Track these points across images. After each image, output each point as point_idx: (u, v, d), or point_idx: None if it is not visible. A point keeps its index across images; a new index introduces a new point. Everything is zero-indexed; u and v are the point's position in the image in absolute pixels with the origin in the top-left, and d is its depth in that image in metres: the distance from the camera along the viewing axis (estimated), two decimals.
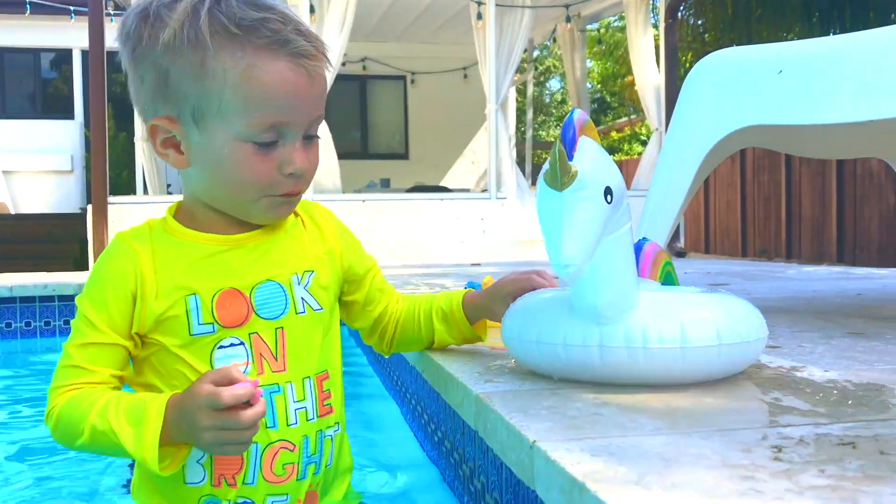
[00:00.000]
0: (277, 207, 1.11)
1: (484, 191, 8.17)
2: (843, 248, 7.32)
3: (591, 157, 1.05)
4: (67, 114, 11.87)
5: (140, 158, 8.12)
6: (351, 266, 1.27)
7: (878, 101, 1.62)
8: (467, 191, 10.21)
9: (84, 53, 11.26)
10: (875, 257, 6.86)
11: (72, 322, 1.09)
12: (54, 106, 12.00)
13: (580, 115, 1.08)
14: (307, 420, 1.12)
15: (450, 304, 1.41)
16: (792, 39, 12.79)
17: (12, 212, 10.88)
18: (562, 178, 1.01)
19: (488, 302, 1.39)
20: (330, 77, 7.06)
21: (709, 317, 1.12)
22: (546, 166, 1.05)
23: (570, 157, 1.03)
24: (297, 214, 1.21)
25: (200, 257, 1.10)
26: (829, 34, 11.66)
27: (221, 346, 1.08)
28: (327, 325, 1.19)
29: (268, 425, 1.08)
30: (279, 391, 1.10)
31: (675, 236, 8.15)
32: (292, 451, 1.11)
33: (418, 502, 1.57)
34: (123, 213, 7.14)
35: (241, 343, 1.09)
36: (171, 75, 1.02)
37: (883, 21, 10.08)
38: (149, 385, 1.10)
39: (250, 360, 1.09)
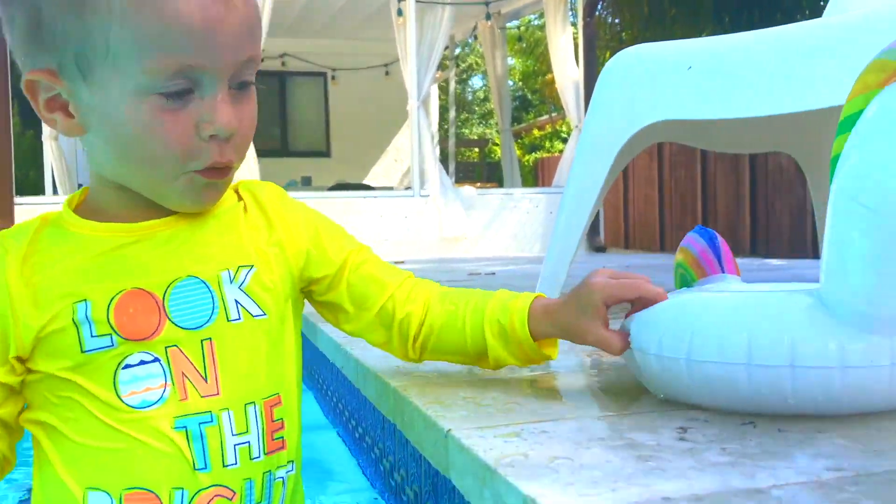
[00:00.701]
0: (201, 192, 0.86)
1: (407, 188, 8.17)
2: (757, 240, 7.60)
3: None
4: None
5: (49, 157, 7.83)
6: (315, 259, 1.01)
7: (780, 96, 1.69)
8: (391, 189, 10.19)
9: None
10: (786, 249, 7.14)
11: None
12: None
13: None
14: (251, 458, 0.86)
15: (509, 316, 1.05)
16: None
17: None
18: None
19: (571, 316, 1.01)
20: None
21: None
22: None
23: None
24: (239, 197, 0.96)
25: (96, 254, 0.86)
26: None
27: (128, 366, 0.83)
28: (276, 335, 0.92)
29: (197, 466, 0.83)
30: (212, 421, 0.84)
31: (594, 231, 8.31)
32: (230, 499, 0.85)
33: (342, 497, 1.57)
34: (29, 213, 6.86)
35: (156, 360, 0.84)
36: (43, 13, 0.79)
37: (788, 21, 10.46)
38: (39, 422, 0.86)
39: (168, 382, 0.84)
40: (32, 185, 9.03)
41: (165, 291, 0.85)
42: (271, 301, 0.91)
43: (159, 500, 0.81)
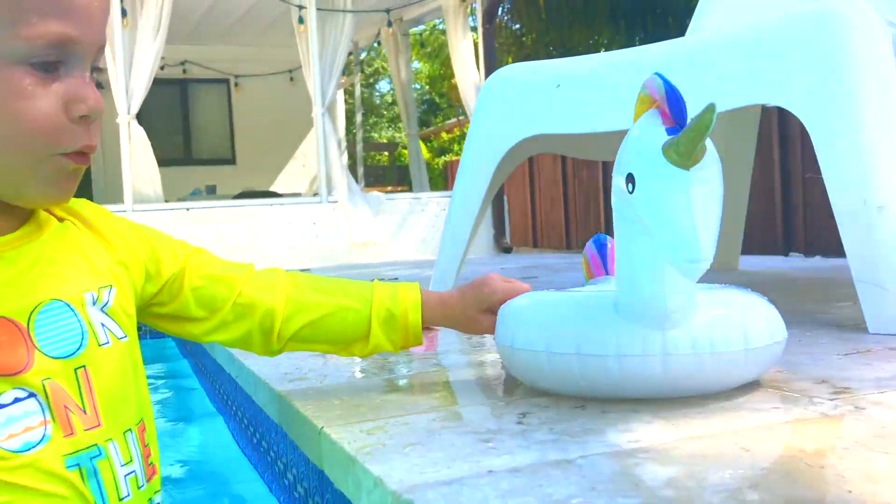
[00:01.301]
0: (67, 179, 0.78)
1: (315, 195, 8.21)
2: None
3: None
4: None
5: None
6: (154, 273, 0.97)
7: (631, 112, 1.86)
8: (298, 195, 10.18)
9: None
10: None
11: None
12: None
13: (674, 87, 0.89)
14: (138, 488, 0.83)
15: (402, 306, 1.09)
16: (602, 43, 13.65)
17: None
18: (695, 155, 0.82)
19: (470, 309, 1.12)
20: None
21: (759, 316, 1.03)
22: (661, 141, 0.85)
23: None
24: (59, 218, 0.86)
25: None
26: (634, 38, 12.56)
27: (2, 406, 0.73)
28: (136, 357, 0.89)
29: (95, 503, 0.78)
30: (101, 455, 0.79)
31: (500, 233, 8.53)
32: None
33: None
34: None
35: (31, 395, 0.75)
36: None
37: (679, 26, 10.94)
38: None
39: (49, 419, 0.76)
40: None
41: (29, 318, 0.77)
42: (128, 322, 0.88)
43: None
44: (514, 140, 2.10)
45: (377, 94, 22.39)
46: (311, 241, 7.69)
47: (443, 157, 17.90)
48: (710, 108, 0.79)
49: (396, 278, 4.47)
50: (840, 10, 1.57)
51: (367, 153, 14.62)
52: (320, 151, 7.72)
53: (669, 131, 0.85)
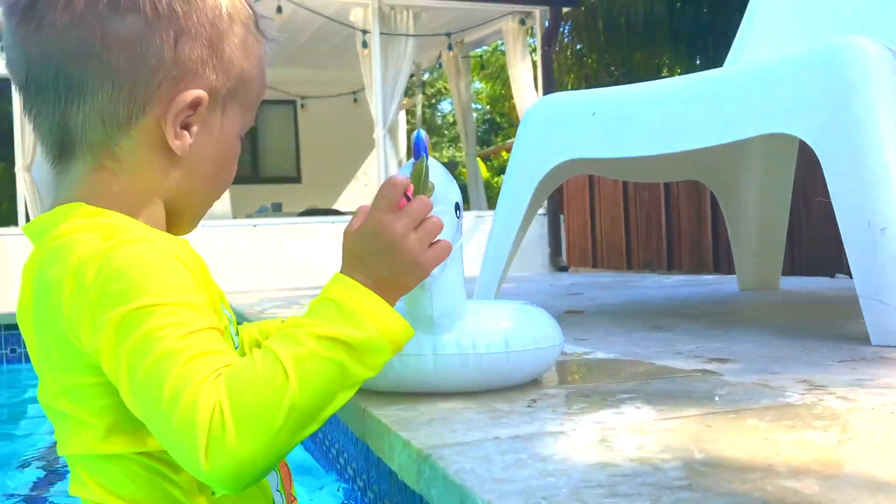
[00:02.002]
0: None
1: None
2: (719, 257, 7.89)
3: (440, 174, 1.07)
4: None
5: (21, 188, 8.03)
6: None
7: (661, 138, 2.02)
8: None
9: None
10: None
11: (141, 333, 0.69)
12: None
13: (426, 136, 1.04)
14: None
15: (264, 331, 1.09)
16: (663, 63, 13.69)
17: None
18: (423, 193, 0.97)
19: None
20: None
21: (526, 325, 1.23)
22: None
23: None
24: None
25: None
26: (695, 59, 12.57)
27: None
28: None
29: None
30: None
31: (556, 252, 8.67)
32: None
33: None
34: (5, 244, 7.09)
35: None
36: (224, 43, 0.85)
37: None
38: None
39: None
40: (5, 215, 9.22)
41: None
42: None
43: None
44: (552, 163, 2.28)
45: (439, 113, 22.75)
46: None
47: (502, 176, 18.08)
48: (422, 159, 0.97)
49: None
50: (847, 47, 1.71)
51: None
52: (381, 172, 7.99)
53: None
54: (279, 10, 7.63)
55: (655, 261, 9.13)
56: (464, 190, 12.89)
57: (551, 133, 2.32)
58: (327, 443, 1.64)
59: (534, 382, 1.31)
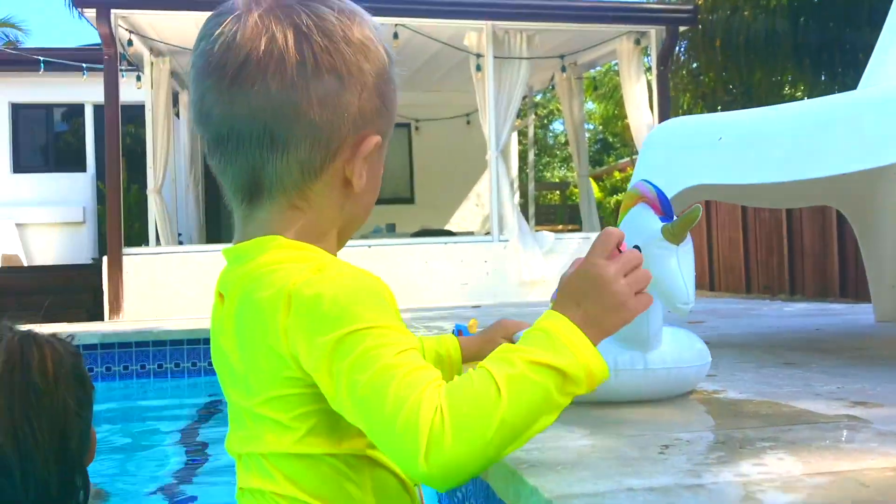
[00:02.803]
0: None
1: (487, 234, 8.49)
2: (847, 282, 7.47)
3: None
4: (79, 167, 12.28)
5: (153, 210, 8.44)
6: None
7: (795, 164, 1.92)
8: (472, 234, 10.53)
9: (96, 108, 11.71)
10: None
11: (359, 352, 0.78)
12: (66, 159, 12.42)
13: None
14: None
15: (445, 347, 1.23)
16: (785, 80, 13.17)
17: (25, 264, 11.25)
18: (684, 236, 1.24)
19: (482, 344, 1.24)
20: None
21: (695, 341, 1.49)
22: (657, 225, 1.24)
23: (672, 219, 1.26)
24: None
25: None
26: (819, 76, 12.01)
27: None
28: None
29: None
30: None
31: None
32: None
33: None
34: (138, 264, 7.47)
35: None
36: (386, 91, 0.95)
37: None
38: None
39: None
40: (137, 236, 9.74)
41: None
42: None
43: None
44: (676, 189, 2.20)
45: (550, 133, 22.65)
46: (482, 278, 7.95)
47: (615, 196, 17.80)
48: (696, 209, 1.16)
49: None
50: None
51: (539, 192, 14.87)
52: (493, 192, 8.01)
53: (662, 220, 1.26)
54: (396, 35, 7.78)
55: (776, 284, 8.74)
56: (576, 210, 12.75)
57: (674, 158, 2.24)
58: None
59: (664, 426, 1.26)
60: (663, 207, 1.27)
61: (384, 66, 0.94)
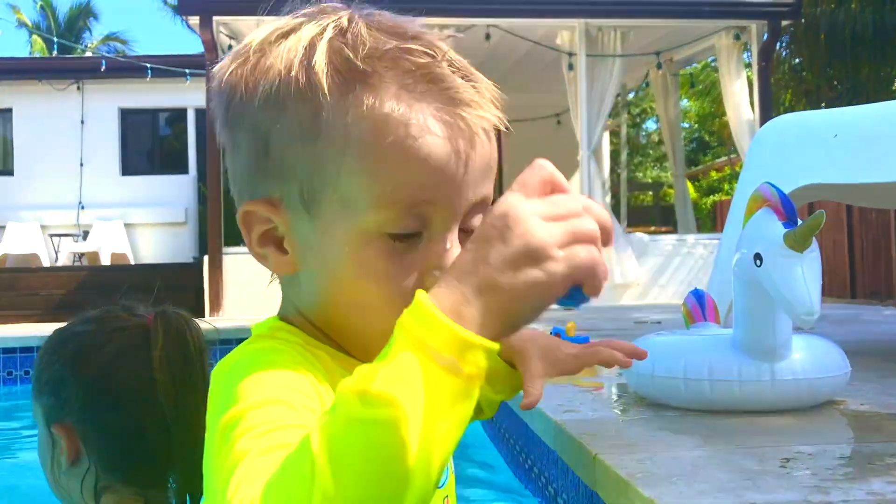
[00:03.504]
0: None
1: None
2: None
3: None
4: (182, 169, 12.77)
5: None
6: None
7: None
8: None
9: (198, 112, 12.17)
10: None
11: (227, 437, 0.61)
12: (170, 162, 12.93)
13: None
14: None
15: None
16: (894, 75, 12.54)
17: (132, 262, 11.75)
18: (809, 243, 1.19)
19: (532, 351, 0.94)
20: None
21: (833, 351, 1.43)
22: (780, 231, 1.20)
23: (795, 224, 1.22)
24: None
25: None
26: None
27: None
28: None
29: None
30: None
31: None
32: None
33: None
34: (237, 263, 7.70)
35: None
36: (271, 140, 0.72)
37: None
38: None
39: None
40: (237, 237, 10.04)
41: None
42: None
43: None
44: (788, 188, 2.10)
45: (643, 133, 22.22)
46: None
47: (711, 196, 17.31)
48: (821, 214, 1.15)
49: (660, 322, 4.47)
50: None
51: (631, 193, 14.59)
52: (584, 193, 7.90)
53: (785, 225, 1.21)
54: (488, 37, 7.77)
55: (884, 290, 8.32)
56: (670, 211, 12.47)
57: (786, 156, 2.15)
58: (550, 487, 1.59)
59: (782, 437, 1.20)
60: (787, 212, 1.23)
61: (276, 89, 0.71)
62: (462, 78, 0.71)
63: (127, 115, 12.78)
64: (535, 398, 0.88)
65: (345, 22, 0.72)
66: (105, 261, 11.26)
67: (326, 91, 0.68)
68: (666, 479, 0.96)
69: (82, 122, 12.32)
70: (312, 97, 0.69)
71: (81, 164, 12.33)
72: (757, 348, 1.33)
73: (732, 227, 2.32)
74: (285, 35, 0.72)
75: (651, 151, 22.21)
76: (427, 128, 0.68)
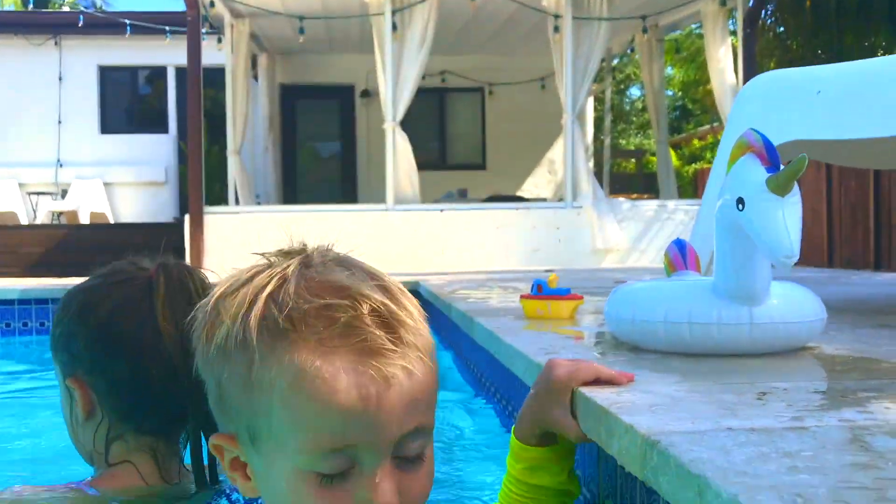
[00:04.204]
0: None
1: (560, 200, 8.39)
2: None
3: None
4: (161, 128, 12.63)
5: (232, 170, 8.61)
6: None
7: None
8: (544, 200, 10.44)
9: (178, 70, 11.99)
10: None
11: None
12: (150, 120, 12.78)
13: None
14: None
15: (510, 462, 1.06)
16: (878, 46, 12.58)
17: (111, 221, 11.65)
18: (790, 187, 1.20)
19: (543, 411, 1.04)
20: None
21: (810, 298, 1.44)
22: (763, 176, 1.21)
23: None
24: None
25: None
26: None
27: None
28: None
29: None
30: None
31: None
32: None
33: None
34: (218, 223, 7.65)
35: None
36: (223, 385, 0.83)
37: None
38: None
39: None
40: (217, 196, 9.98)
41: None
42: None
43: None
44: None
45: (627, 100, 22.19)
46: (553, 245, 7.87)
47: (693, 164, 17.38)
48: (803, 158, 1.15)
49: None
50: None
51: (614, 160, 14.59)
52: (567, 158, 7.90)
53: (768, 170, 1.23)
54: None
55: (861, 259, 8.42)
56: (653, 179, 12.49)
57: (769, 113, 2.16)
58: None
59: (758, 376, 1.23)
60: (770, 157, 1.24)
61: (224, 342, 0.81)
62: (383, 327, 0.78)
63: (106, 73, 12.59)
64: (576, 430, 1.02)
65: (288, 273, 0.81)
66: (84, 220, 11.15)
67: (255, 346, 0.78)
68: (646, 408, 0.99)
69: (60, 78, 12.12)
70: (247, 351, 0.79)
71: (59, 122, 12.15)
72: (736, 293, 1.34)
73: (715, 178, 2.34)
74: (238, 289, 0.83)
75: (635, 119, 22.21)
76: (337, 379, 0.76)
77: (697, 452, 0.78)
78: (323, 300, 0.78)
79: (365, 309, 0.79)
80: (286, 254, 0.86)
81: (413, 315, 0.82)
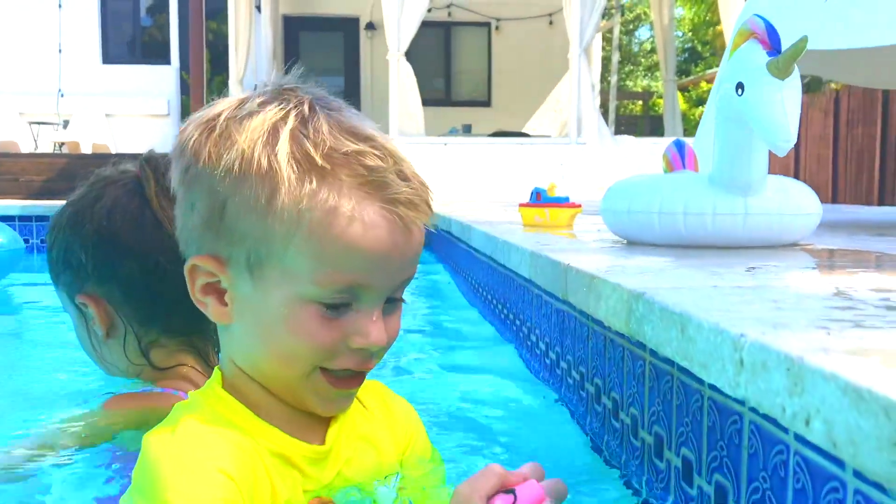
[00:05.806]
0: (337, 399, 0.87)
1: (565, 136, 8.33)
2: None
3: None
4: (164, 59, 12.48)
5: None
6: (399, 464, 0.97)
7: None
8: (549, 137, 10.37)
9: (180, 0, 11.82)
10: None
11: None
12: (152, 51, 12.63)
13: None
14: None
15: None
16: None
17: (113, 152, 11.61)
18: (790, 70, 1.20)
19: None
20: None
21: (806, 192, 1.47)
22: (764, 59, 1.21)
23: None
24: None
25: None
26: None
27: None
28: None
29: None
30: None
31: None
32: None
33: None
34: None
35: None
36: (228, 207, 0.81)
37: None
38: None
39: None
40: None
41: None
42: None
43: None
44: None
45: (636, 41, 21.87)
46: (557, 181, 7.82)
47: (700, 107, 17.20)
48: (803, 39, 1.16)
49: None
50: None
51: (620, 102, 14.46)
52: (573, 93, 7.81)
53: (770, 54, 1.23)
54: None
55: (864, 201, 8.39)
56: (658, 122, 12.38)
57: (776, 23, 2.12)
58: (524, 327, 1.63)
59: (748, 257, 1.23)
60: (772, 42, 1.24)
61: (238, 164, 0.81)
62: (403, 181, 0.82)
63: (107, 2, 12.39)
64: None
65: (306, 110, 0.82)
66: (86, 150, 11.11)
67: (286, 178, 0.78)
68: (635, 274, 1.00)
69: (60, 5, 11.93)
70: (272, 179, 0.79)
71: (60, 51, 12.00)
72: (733, 183, 1.35)
73: (712, 101, 2.32)
74: (250, 115, 0.81)
75: (643, 60, 21.92)
76: (370, 222, 0.79)
77: (681, 297, 0.79)
78: (356, 146, 0.81)
79: (390, 161, 0.82)
80: (284, 89, 0.85)
81: (416, 173, 0.86)
